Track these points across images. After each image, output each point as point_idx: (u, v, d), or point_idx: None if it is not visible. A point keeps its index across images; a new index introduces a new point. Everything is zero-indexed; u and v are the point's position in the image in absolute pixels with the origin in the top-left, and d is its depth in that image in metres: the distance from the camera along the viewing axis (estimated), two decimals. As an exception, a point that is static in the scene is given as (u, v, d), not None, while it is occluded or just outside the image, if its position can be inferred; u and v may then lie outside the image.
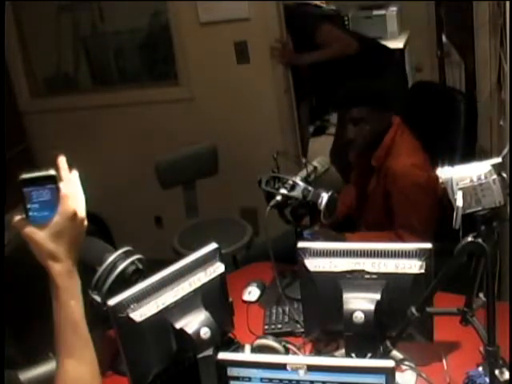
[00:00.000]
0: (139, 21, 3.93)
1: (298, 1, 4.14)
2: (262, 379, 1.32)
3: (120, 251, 1.69)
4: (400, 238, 2.24)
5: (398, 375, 1.51)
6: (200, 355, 1.50)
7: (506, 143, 2.13)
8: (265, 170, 2.01)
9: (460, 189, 1.31)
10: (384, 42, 4.99)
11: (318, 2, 4.66)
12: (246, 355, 1.61)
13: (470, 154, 2.51)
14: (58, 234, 1.07)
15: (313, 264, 1.62)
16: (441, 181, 1.35)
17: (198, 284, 1.60)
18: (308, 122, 4.37)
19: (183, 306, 1.56)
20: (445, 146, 2.52)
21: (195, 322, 1.53)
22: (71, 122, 3.77)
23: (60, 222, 1.07)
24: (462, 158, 2.44)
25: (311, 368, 1.29)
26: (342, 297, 1.56)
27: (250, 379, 1.33)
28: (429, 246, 1.55)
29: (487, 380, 1.41)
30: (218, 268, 1.67)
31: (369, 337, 1.52)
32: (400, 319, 1.50)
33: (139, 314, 1.49)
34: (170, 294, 1.55)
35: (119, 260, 1.67)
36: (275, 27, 3.36)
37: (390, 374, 1.25)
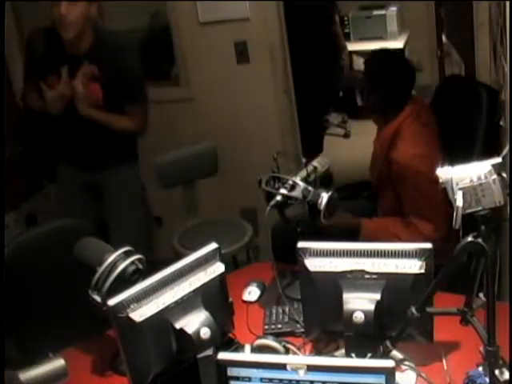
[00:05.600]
0: (139, 21, 3.92)
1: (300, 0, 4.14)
2: (261, 379, 1.33)
3: (120, 251, 1.70)
4: (413, 225, 2.27)
5: (398, 375, 1.51)
6: (200, 355, 1.50)
7: (506, 143, 2.13)
8: (265, 170, 2.01)
9: (460, 189, 1.31)
10: (384, 42, 5.02)
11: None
12: (246, 355, 1.61)
13: (492, 144, 2.49)
14: None
15: (313, 264, 1.62)
16: (441, 181, 1.35)
17: (198, 284, 1.60)
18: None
19: (183, 306, 1.56)
20: (467, 140, 2.52)
21: (195, 322, 1.53)
22: (71, 121, 3.77)
23: None
24: (483, 151, 2.43)
25: (311, 368, 1.29)
26: (341, 297, 1.56)
27: (249, 379, 1.33)
28: (429, 245, 1.55)
29: (487, 380, 1.42)
30: (218, 268, 1.67)
31: (369, 337, 1.52)
32: (400, 319, 1.50)
33: (139, 314, 1.49)
34: (169, 294, 1.55)
35: (119, 260, 1.67)
36: (275, 27, 3.36)
37: (390, 373, 1.25)
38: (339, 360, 1.50)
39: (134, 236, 2.92)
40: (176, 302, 1.55)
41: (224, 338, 1.71)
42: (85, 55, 2.64)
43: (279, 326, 1.87)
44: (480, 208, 1.31)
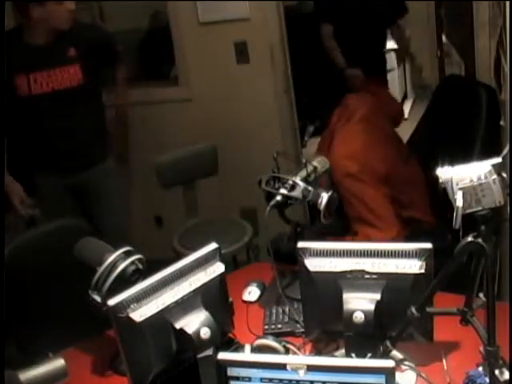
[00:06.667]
0: (139, 21, 3.93)
1: (298, 0, 4.15)
2: (261, 379, 1.32)
3: (120, 251, 1.69)
4: (360, 235, 2.21)
5: (398, 375, 1.51)
6: (200, 355, 1.50)
7: (506, 143, 2.13)
8: (265, 170, 2.01)
9: (460, 189, 1.31)
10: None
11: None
12: (246, 355, 1.61)
13: (492, 144, 2.48)
14: None
15: (313, 264, 1.62)
16: (441, 181, 1.35)
17: (198, 284, 1.60)
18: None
19: (183, 305, 1.56)
20: (466, 140, 2.51)
21: (195, 322, 1.53)
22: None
23: None
24: (483, 149, 2.42)
25: (311, 368, 1.29)
26: (341, 297, 1.56)
27: (249, 379, 1.33)
28: (429, 245, 1.55)
29: (487, 380, 1.42)
30: (218, 268, 1.67)
31: (369, 337, 1.52)
32: (400, 319, 1.50)
33: (139, 314, 1.49)
34: (169, 294, 1.55)
35: (119, 260, 1.67)
36: (275, 27, 3.36)
37: (390, 373, 1.25)
38: (339, 360, 1.50)
39: (124, 231, 2.97)
40: (176, 302, 1.55)
41: (224, 338, 1.70)
42: (54, 43, 2.68)
43: (279, 325, 1.87)
44: (480, 208, 1.31)
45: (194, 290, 1.59)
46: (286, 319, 1.89)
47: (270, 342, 1.66)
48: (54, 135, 2.79)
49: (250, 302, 2.03)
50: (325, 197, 1.87)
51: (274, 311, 1.93)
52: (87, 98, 2.82)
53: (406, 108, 5.33)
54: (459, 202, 1.29)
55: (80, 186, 2.94)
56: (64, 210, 2.89)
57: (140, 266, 1.69)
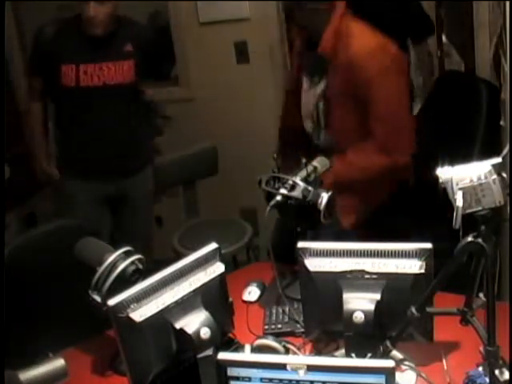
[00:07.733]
0: (139, 21, 3.92)
1: (298, 0, 4.13)
2: (261, 379, 1.32)
3: (120, 251, 1.70)
4: (380, 136, 2.09)
5: (398, 375, 1.51)
6: (200, 355, 1.50)
7: (506, 143, 2.13)
8: (265, 170, 2.01)
9: (460, 189, 1.31)
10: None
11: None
12: (246, 355, 1.61)
13: (492, 142, 2.46)
14: None
15: (313, 264, 1.62)
16: (441, 181, 1.35)
17: (198, 284, 1.60)
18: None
19: (183, 305, 1.56)
20: (466, 139, 2.49)
21: (195, 322, 1.53)
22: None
23: None
24: (484, 146, 2.40)
25: (311, 368, 1.29)
26: (341, 297, 1.56)
27: (249, 379, 1.33)
28: (429, 245, 1.55)
29: (487, 380, 1.42)
30: (218, 268, 1.67)
31: (369, 337, 1.52)
32: (400, 319, 1.50)
33: (139, 314, 1.49)
34: (169, 294, 1.55)
35: (119, 260, 1.67)
36: (275, 27, 3.36)
37: (390, 373, 1.25)
38: (339, 360, 1.50)
39: (144, 239, 2.86)
40: (176, 302, 1.55)
41: (224, 338, 1.70)
42: (111, 36, 2.58)
43: (279, 325, 1.87)
44: (480, 208, 1.31)
45: (194, 290, 1.59)
46: (286, 319, 1.89)
47: (270, 342, 1.66)
48: (97, 134, 2.60)
49: (250, 302, 2.03)
50: (325, 197, 1.87)
51: (274, 311, 1.93)
52: (135, 98, 2.69)
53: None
54: (459, 201, 1.29)
55: (116, 196, 2.74)
56: (94, 222, 2.55)
57: (140, 266, 1.69)
